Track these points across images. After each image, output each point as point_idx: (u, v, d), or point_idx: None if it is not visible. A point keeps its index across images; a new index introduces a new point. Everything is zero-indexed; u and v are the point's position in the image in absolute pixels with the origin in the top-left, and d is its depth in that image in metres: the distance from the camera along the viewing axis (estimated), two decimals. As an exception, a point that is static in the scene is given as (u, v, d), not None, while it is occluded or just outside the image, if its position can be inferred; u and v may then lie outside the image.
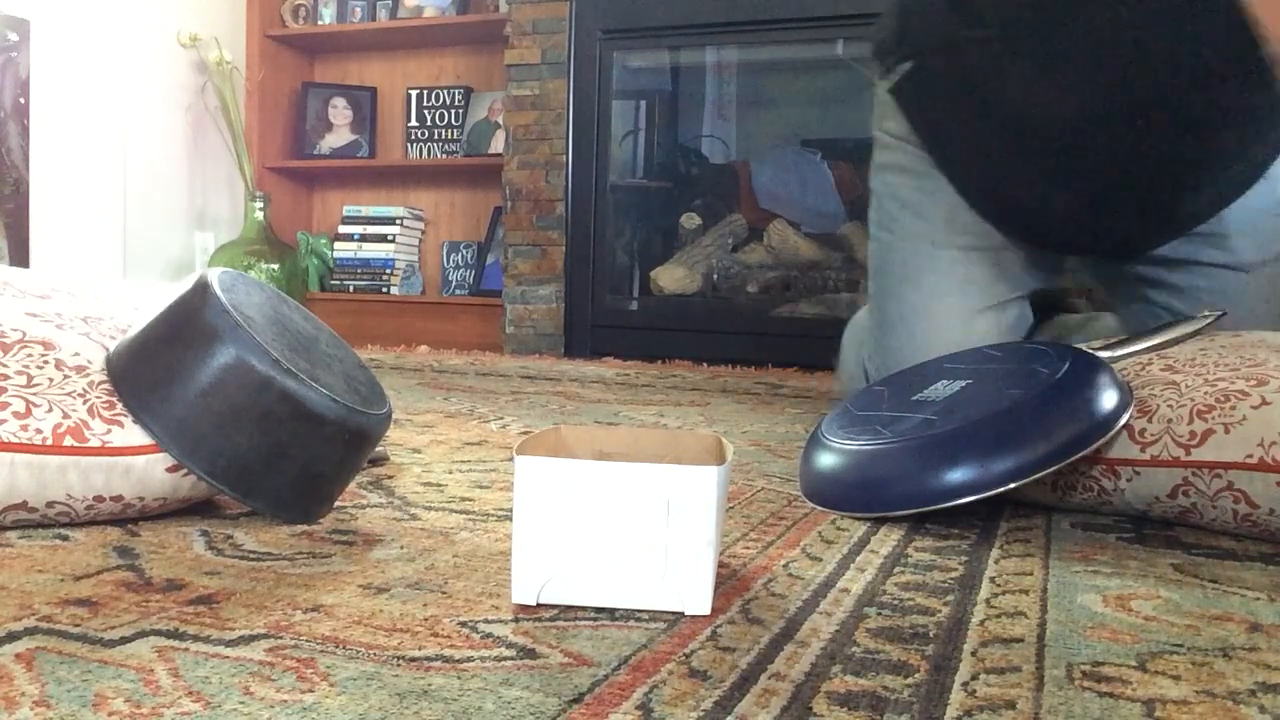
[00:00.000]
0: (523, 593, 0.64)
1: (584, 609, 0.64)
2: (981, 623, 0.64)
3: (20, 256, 2.75)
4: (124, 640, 0.56)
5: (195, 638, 0.57)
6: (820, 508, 0.95)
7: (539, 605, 0.64)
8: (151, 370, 0.81)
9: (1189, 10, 1.10)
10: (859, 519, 0.92)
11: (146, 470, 0.80)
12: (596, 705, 0.49)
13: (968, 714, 0.50)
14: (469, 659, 0.55)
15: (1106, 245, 1.34)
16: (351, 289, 3.34)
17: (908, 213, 1.41)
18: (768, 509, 0.95)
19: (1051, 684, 0.54)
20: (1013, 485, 0.87)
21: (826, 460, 0.96)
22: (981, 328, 1.32)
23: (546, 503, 0.63)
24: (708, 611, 0.63)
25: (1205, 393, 0.90)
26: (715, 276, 2.83)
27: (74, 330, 0.88)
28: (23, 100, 2.74)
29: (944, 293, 1.35)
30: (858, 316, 1.53)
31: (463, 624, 0.61)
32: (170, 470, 0.81)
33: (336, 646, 0.56)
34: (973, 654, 0.58)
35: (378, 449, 1.11)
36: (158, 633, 0.57)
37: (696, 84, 3.09)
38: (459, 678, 0.52)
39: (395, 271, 3.31)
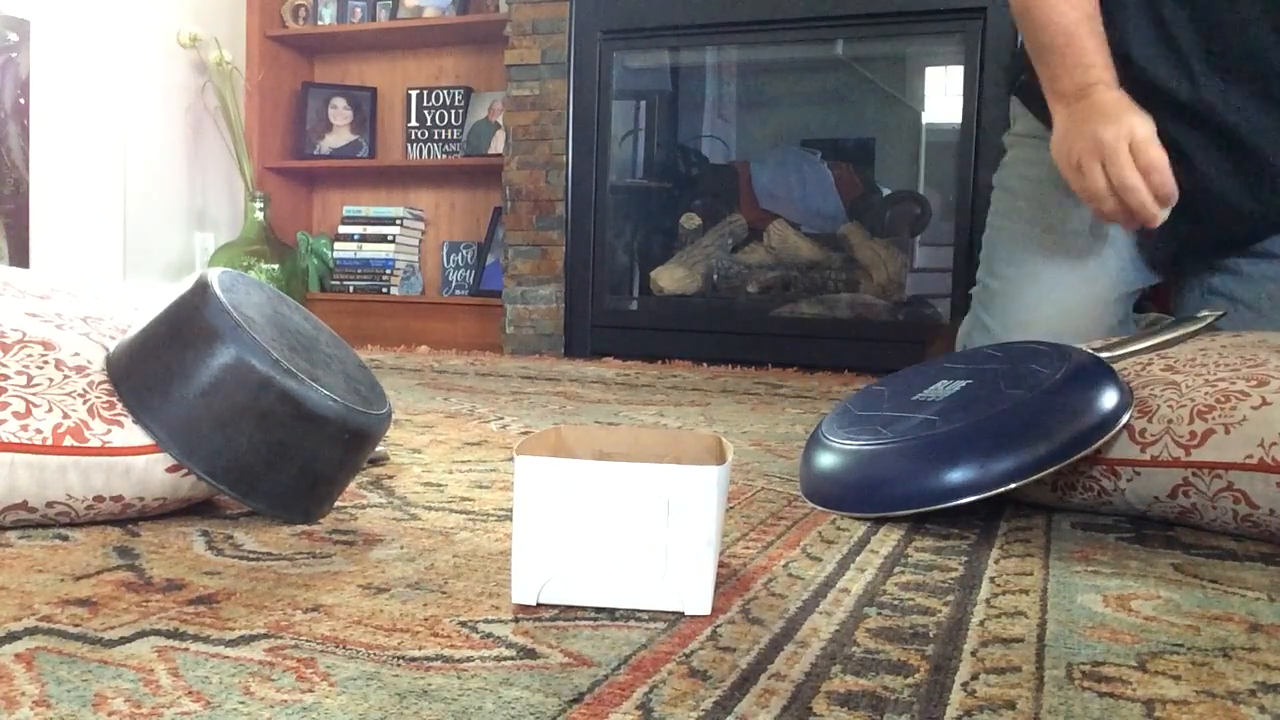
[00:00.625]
0: (523, 593, 0.64)
1: (584, 609, 0.64)
2: (981, 623, 0.64)
3: (20, 256, 2.75)
4: (124, 640, 0.56)
5: (195, 638, 0.57)
6: (820, 508, 0.95)
7: (539, 605, 0.64)
8: (151, 370, 0.81)
9: None
10: (859, 519, 0.92)
11: (146, 470, 0.80)
12: (596, 705, 0.49)
13: (968, 714, 0.50)
14: (469, 659, 0.55)
15: (1228, 226, 1.31)
16: (351, 289, 3.34)
17: (1028, 203, 1.40)
18: (768, 509, 0.95)
19: (1051, 684, 0.54)
20: (1013, 485, 0.87)
21: (826, 460, 0.96)
22: (1084, 318, 1.31)
23: (546, 503, 0.63)
24: (708, 611, 0.63)
25: (1205, 393, 0.90)
26: (715, 276, 2.83)
27: (74, 330, 0.88)
28: (23, 100, 2.74)
29: (1054, 275, 1.34)
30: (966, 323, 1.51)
31: (463, 624, 0.61)
32: (170, 470, 0.81)
33: (336, 646, 0.56)
34: (973, 654, 0.58)
35: (378, 449, 1.11)
36: (158, 633, 0.57)
37: (696, 84, 3.09)
38: (459, 678, 0.52)
39: (395, 272, 3.31)
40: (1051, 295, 1.34)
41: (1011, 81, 1.49)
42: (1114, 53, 1.20)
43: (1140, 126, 1.11)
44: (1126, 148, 1.11)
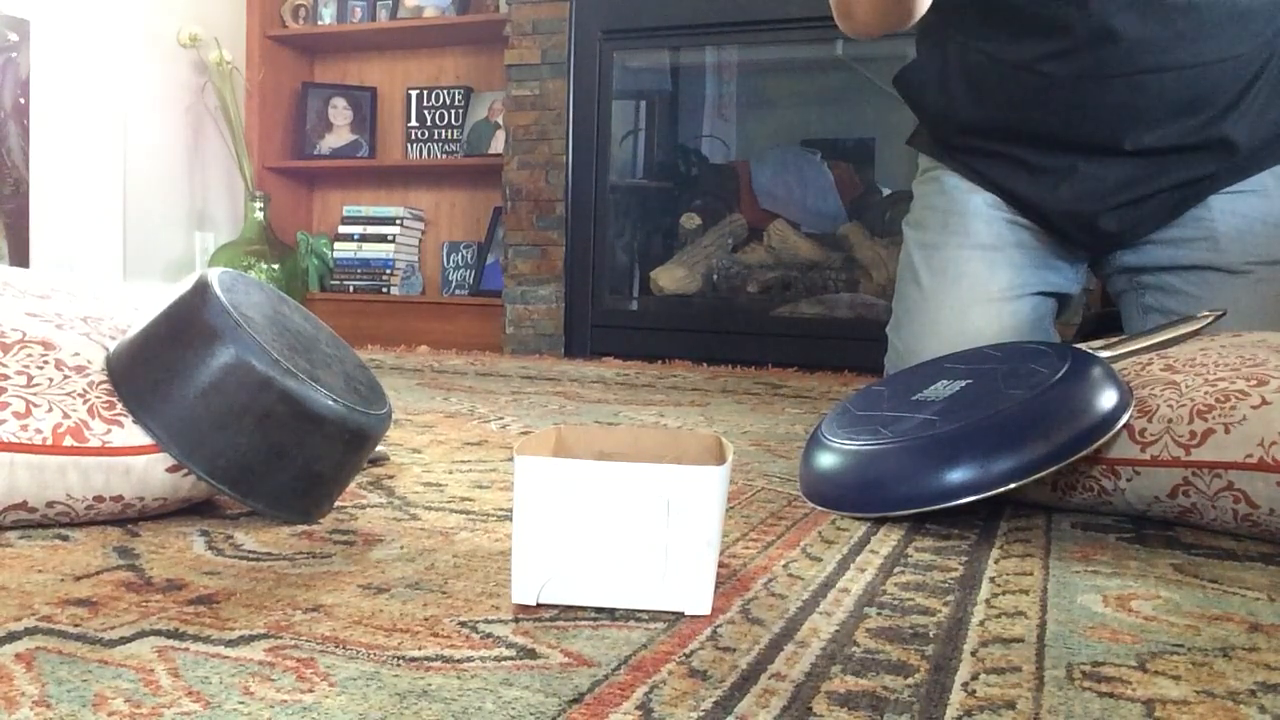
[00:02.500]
0: (523, 593, 0.64)
1: (584, 609, 0.64)
2: (981, 623, 0.64)
3: (20, 256, 2.75)
4: (124, 640, 0.56)
5: (195, 638, 0.57)
6: (820, 508, 0.95)
7: (539, 605, 0.64)
8: (151, 370, 0.81)
9: None
10: (859, 519, 0.92)
11: (146, 470, 0.80)
12: (596, 705, 0.49)
13: (968, 714, 0.50)
14: (469, 659, 0.55)
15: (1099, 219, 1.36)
16: (351, 289, 3.34)
17: (922, 227, 1.49)
18: (768, 509, 0.95)
19: (1051, 684, 0.54)
20: (1013, 485, 0.87)
21: (826, 460, 0.96)
22: (980, 319, 1.37)
23: (546, 503, 0.63)
24: (708, 612, 0.63)
25: (1205, 392, 0.90)
26: (715, 276, 2.83)
27: (74, 330, 0.88)
28: (23, 100, 2.74)
29: (947, 285, 1.41)
30: None
31: (463, 624, 0.61)
32: (170, 470, 0.81)
33: (336, 646, 0.56)
34: (973, 654, 0.58)
35: (378, 449, 1.11)
36: (158, 633, 0.57)
37: (696, 84, 3.09)
38: (459, 678, 0.52)
39: (395, 271, 3.31)
40: (947, 301, 1.40)
41: (908, 140, 1.58)
42: None
43: None
44: None
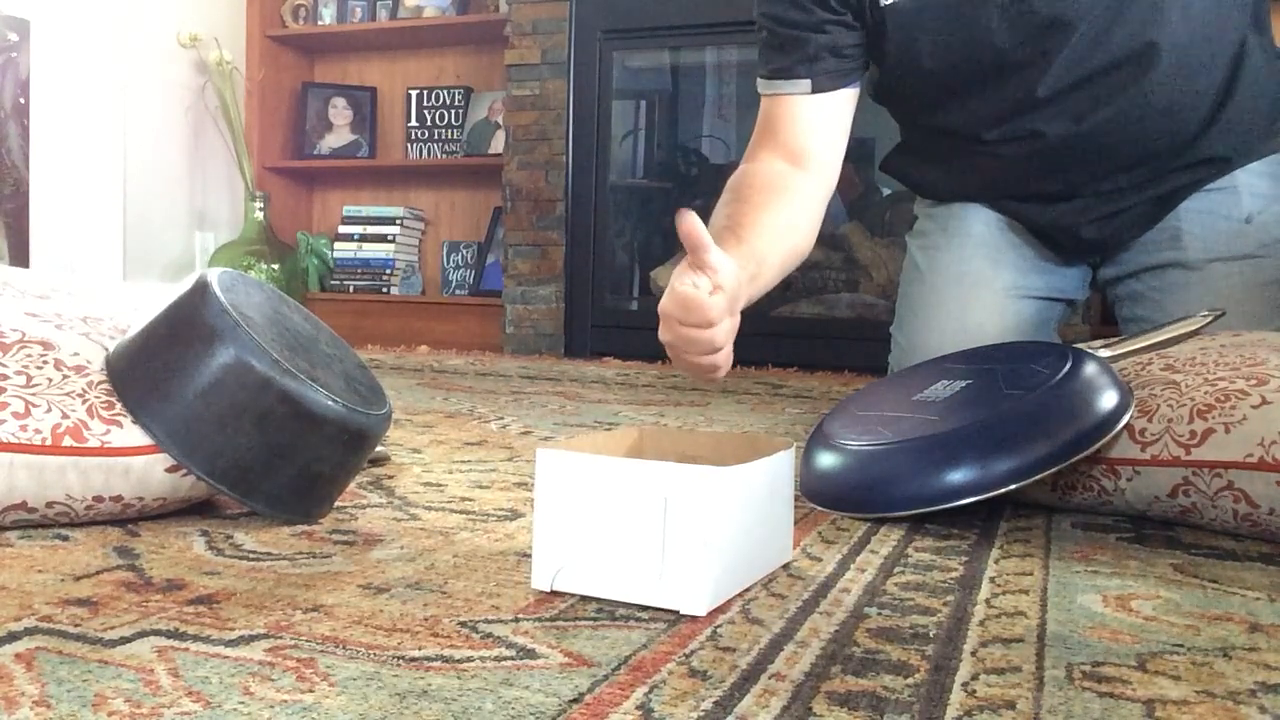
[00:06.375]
0: (540, 579, 0.67)
1: (584, 609, 0.64)
2: (981, 623, 0.64)
3: (20, 256, 2.75)
4: (124, 640, 0.56)
5: (195, 638, 0.57)
6: (820, 508, 0.95)
7: (552, 593, 0.66)
8: (151, 370, 0.81)
9: None
10: (859, 519, 0.92)
11: (146, 470, 0.80)
12: (596, 705, 0.49)
13: (968, 714, 0.50)
14: (469, 659, 0.55)
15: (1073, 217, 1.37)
16: (351, 289, 3.34)
17: (924, 234, 1.51)
18: (768, 509, 0.95)
19: (1051, 684, 0.54)
20: (1013, 486, 0.87)
21: (826, 460, 0.96)
22: (982, 315, 1.37)
23: (560, 495, 0.66)
24: (704, 612, 0.63)
25: (1205, 392, 0.90)
26: (715, 276, 2.83)
27: (73, 330, 0.88)
28: (23, 100, 2.75)
29: (950, 282, 1.42)
30: None
31: (463, 624, 0.61)
32: (170, 470, 0.80)
33: (336, 646, 0.56)
34: (973, 654, 0.58)
35: (378, 449, 1.11)
36: (158, 633, 0.57)
37: (696, 84, 3.09)
38: (459, 678, 0.52)
39: (395, 271, 3.31)
40: (951, 295, 1.41)
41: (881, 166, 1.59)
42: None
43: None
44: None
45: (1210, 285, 1.30)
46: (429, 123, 3.32)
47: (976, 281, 1.39)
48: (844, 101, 1.28)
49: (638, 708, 0.49)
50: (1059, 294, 1.43)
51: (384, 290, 3.31)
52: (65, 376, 0.82)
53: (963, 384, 0.99)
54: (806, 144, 1.24)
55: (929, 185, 1.50)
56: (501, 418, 1.55)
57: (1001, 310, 1.38)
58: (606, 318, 2.81)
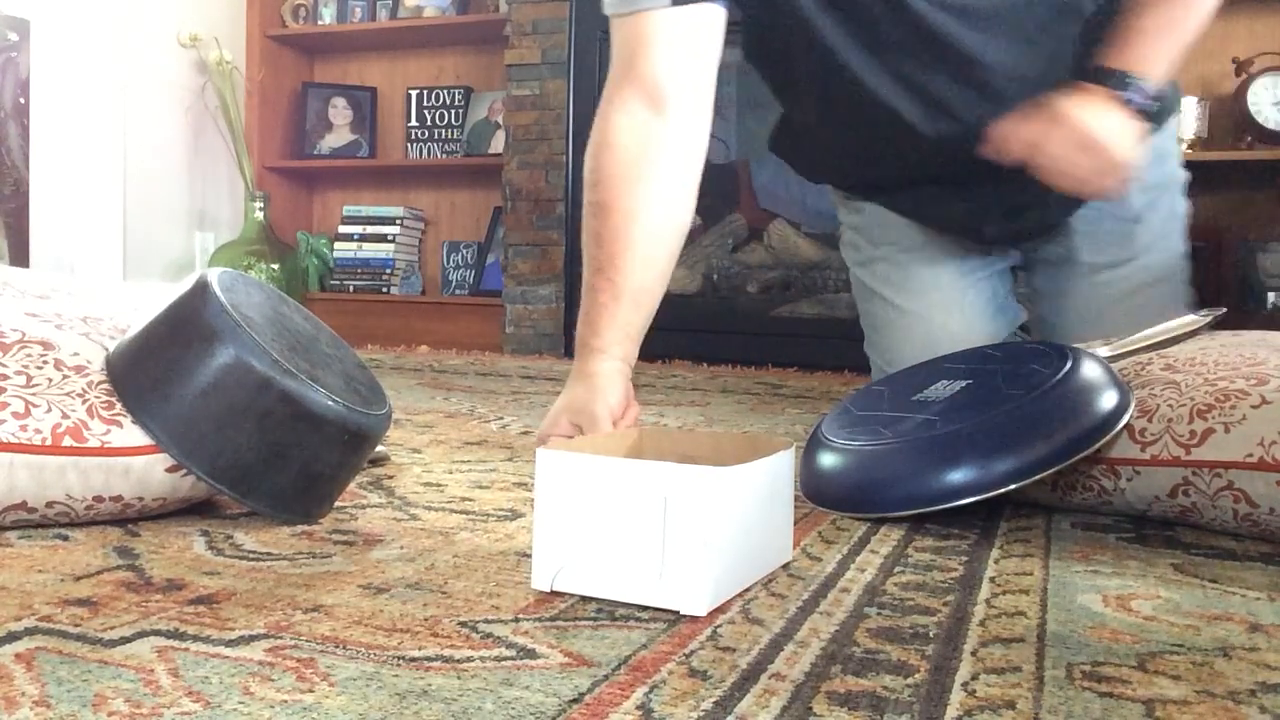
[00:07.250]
0: (540, 579, 0.67)
1: (584, 609, 0.64)
2: (981, 623, 0.64)
3: (20, 256, 2.75)
4: (124, 640, 0.56)
5: (195, 638, 0.57)
6: (820, 508, 0.95)
7: (552, 593, 0.66)
8: (151, 370, 0.81)
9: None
10: (859, 519, 0.91)
11: (146, 470, 0.80)
12: (596, 705, 0.49)
13: (968, 714, 0.50)
14: (469, 659, 0.55)
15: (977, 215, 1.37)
16: (351, 289, 3.34)
17: (854, 247, 1.50)
18: (768, 509, 0.95)
19: (1051, 684, 0.54)
20: (1013, 486, 0.87)
21: (826, 460, 0.96)
22: (941, 314, 1.38)
23: (560, 495, 0.66)
24: (703, 612, 0.63)
25: (1205, 392, 0.90)
26: (715, 276, 2.83)
27: (73, 330, 0.88)
28: (23, 100, 2.75)
29: (901, 294, 1.42)
30: None
31: (463, 624, 0.61)
32: (170, 470, 0.80)
33: (336, 646, 0.56)
34: (973, 654, 0.58)
35: (378, 449, 1.11)
36: (158, 633, 0.57)
37: (696, 84, 3.08)
38: (459, 678, 0.52)
39: (395, 271, 3.31)
40: (908, 307, 1.40)
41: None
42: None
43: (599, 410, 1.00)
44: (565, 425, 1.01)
45: (1095, 289, 1.31)
46: (429, 123, 3.32)
47: (923, 286, 1.39)
48: (710, 22, 1.16)
49: (638, 708, 0.49)
50: (999, 266, 1.42)
51: (384, 290, 3.31)
52: (65, 376, 0.82)
53: (962, 384, 0.99)
54: (668, 78, 1.14)
55: (820, 172, 1.46)
56: (501, 418, 1.55)
57: (959, 303, 1.37)
58: (606, 318, 2.81)
